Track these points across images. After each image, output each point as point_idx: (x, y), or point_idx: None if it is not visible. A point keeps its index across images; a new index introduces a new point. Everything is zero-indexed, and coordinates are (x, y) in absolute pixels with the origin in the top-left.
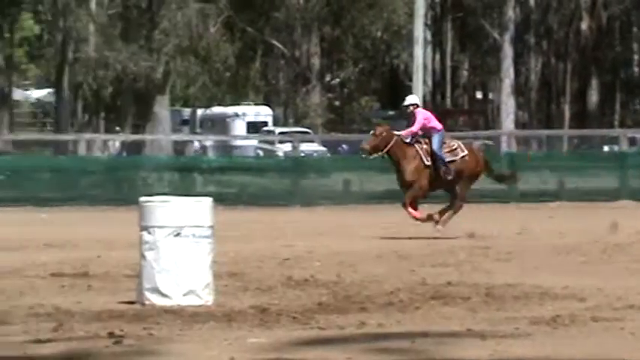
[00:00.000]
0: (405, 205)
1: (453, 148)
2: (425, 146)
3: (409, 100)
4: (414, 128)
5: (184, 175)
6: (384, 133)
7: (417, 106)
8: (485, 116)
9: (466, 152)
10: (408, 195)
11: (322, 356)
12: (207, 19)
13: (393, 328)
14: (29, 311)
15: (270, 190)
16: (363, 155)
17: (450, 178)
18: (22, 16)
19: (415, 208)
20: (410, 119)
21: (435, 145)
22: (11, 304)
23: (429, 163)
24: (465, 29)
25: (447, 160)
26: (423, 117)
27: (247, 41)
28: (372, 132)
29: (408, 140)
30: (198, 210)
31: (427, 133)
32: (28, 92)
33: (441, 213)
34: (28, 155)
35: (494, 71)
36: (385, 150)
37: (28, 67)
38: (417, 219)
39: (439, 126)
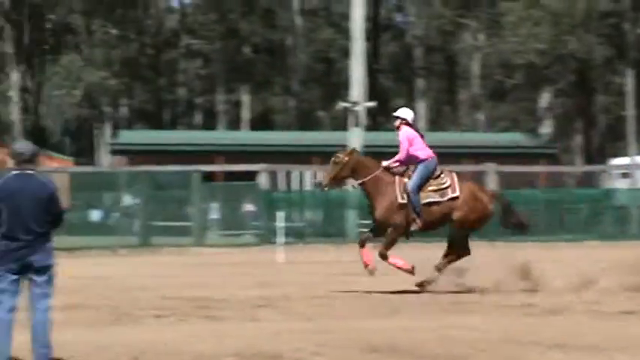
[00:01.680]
0: (382, 257)
1: (443, 186)
2: (406, 179)
3: (400, 112)
4: (400, 156)
5: None
6: (346, 159)
7: (406, 122)
8: None
9: (457, 193)
10: (382, 244)
11: None
12: None
13: None
14: None
15: None
16: (325, 188)
17: (414, 229)
18: None
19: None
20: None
21: (413, 183)
22: None
23: (404, 201)
24: None
25: (428, 201)
26: (406, 138)
27: None
28: (332, 159)
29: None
30: None
31: (411, 162)
32: None
33: (440, 266)
34: None
35: None
36: (360, 181)
37: None
38: (401, 269)
39: (425, 154)
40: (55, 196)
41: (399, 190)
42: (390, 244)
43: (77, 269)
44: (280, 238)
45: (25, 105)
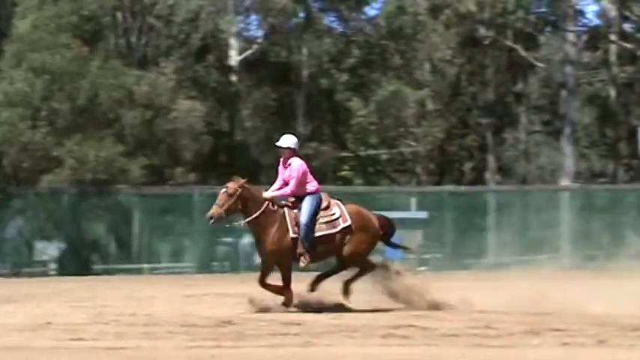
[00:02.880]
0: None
1: (333, 217)
2: (295, 212)
3: (286, 141)
4: (288, 190)
5: None
6: (240, 191)
7: (295, 152)
8: None
9: (349, 222)
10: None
11: None
12: None
13: None
14: None
15: None
16: (212, 222)
17: (304, 265)
18: None
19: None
20: (283, 165)
21: (306, 215)
22: None
23: (295, 235)
24: None
25: (319, 235)
26: (301, 171)
27: None
28: (223, 190)
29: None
30: None
31: (299, 194)
32: None
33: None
34: None
35: None
36: (254, 216)
37: None
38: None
39: (313, 186)
40: None
41: (290, 223)
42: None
43: None
44: None
45: None
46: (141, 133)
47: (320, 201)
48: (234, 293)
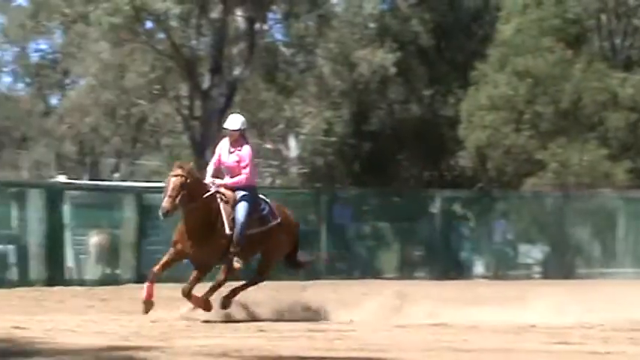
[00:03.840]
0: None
1: (263, 213)
2: (229, 206)
3: (235, 122)
4: (243, 178)
5: None
6: (191, 179)
7: (244, 134)
8: None
9: (279, 219)
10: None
11: None
12: None
13: None
14: None
15: None
16: (162, 216)
17: (239, 266)
18: None
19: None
20: (229, 149)
21: (244, 214)
22: None
23: (229, 232)
24: None
25: (251, 232)
26: (252, 158)
27: None
28: (172, 178)
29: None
30: None
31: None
32: None
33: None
34: None
35: None
36: (194, 206)
37: None
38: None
39: (254, 178)
40: None
41: (227, 219)
42: (218, 288)
43: None
44: None
45: None
46: (626, 137)
47: (257, 195)
48: None
